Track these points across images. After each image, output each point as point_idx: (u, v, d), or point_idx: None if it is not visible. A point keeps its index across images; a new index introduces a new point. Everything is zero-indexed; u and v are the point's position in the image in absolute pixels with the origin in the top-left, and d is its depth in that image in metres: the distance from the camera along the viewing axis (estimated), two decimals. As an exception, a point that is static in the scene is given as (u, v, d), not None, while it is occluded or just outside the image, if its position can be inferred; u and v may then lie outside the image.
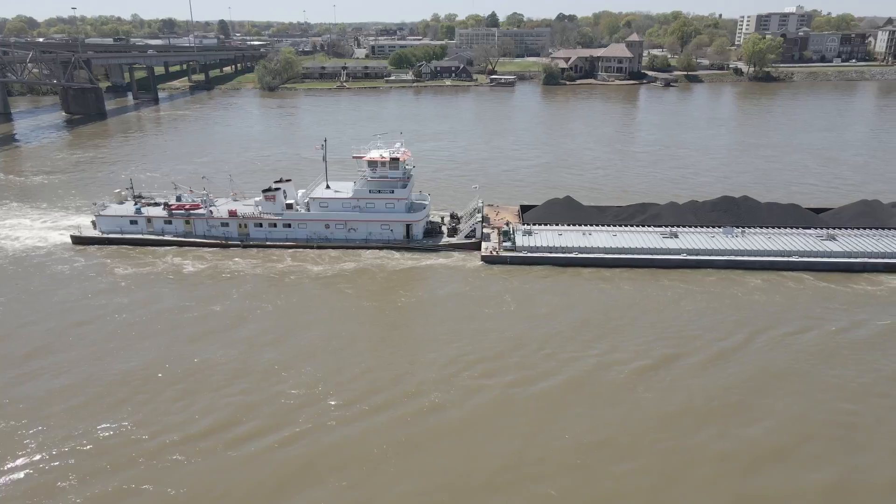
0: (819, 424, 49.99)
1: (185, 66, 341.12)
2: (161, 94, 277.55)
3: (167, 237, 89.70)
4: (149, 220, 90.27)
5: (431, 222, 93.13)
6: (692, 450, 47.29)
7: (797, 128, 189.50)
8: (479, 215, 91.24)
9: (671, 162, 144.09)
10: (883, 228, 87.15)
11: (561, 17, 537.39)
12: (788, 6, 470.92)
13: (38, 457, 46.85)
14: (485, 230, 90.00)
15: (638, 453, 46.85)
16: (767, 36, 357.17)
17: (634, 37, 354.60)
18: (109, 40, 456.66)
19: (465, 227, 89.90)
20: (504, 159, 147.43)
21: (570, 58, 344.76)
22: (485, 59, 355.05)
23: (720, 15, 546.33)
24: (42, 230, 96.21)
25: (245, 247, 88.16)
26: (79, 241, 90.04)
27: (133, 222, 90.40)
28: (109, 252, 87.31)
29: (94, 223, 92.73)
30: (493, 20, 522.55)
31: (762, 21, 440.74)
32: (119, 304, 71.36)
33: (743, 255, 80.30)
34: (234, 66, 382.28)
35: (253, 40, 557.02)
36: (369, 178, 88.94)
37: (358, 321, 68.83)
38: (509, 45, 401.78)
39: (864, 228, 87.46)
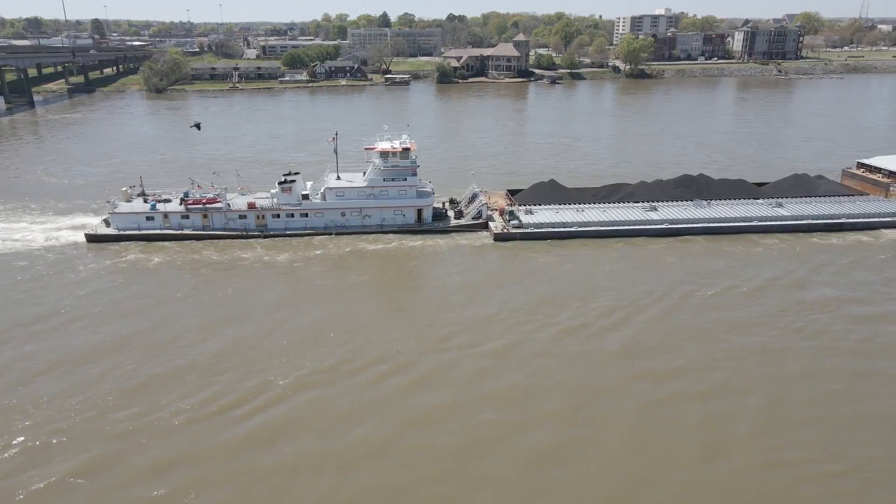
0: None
1: (60, 68, 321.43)
2: (36, 98, 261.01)
3: (186, 231, 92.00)
4: (165, 215, 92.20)
5: (435, 207, 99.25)
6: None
7: (673, 118, 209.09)
8: (483, 198, 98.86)
9: (569, 150, 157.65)
10: (815, 196, 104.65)
11: (451, 18, 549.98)
12: (658, 8, 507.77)
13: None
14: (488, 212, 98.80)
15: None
16: (640, 36, 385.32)
17: (521, 37, 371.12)
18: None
19: (472, 210, 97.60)
20: (421, 151, 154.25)
21: (461, 57, 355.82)
22: (379, 58, 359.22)
23: (600, 16, 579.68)
24: (50, 230, 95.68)
25: (265, 237, 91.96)
26: (94, 239, 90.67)
27: (149, 218, 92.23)
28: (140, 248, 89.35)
29: (106, 221, 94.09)
30: (384, 20, 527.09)
31: (636, 22, 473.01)
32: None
33: (714, 223, 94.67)
34: (115, 68, 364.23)
35: (132, 40, 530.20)
36: (382, 168, 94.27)
37: (409, 296, 76.69)
38: (402, 44, 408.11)
39: (801, 197, 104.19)
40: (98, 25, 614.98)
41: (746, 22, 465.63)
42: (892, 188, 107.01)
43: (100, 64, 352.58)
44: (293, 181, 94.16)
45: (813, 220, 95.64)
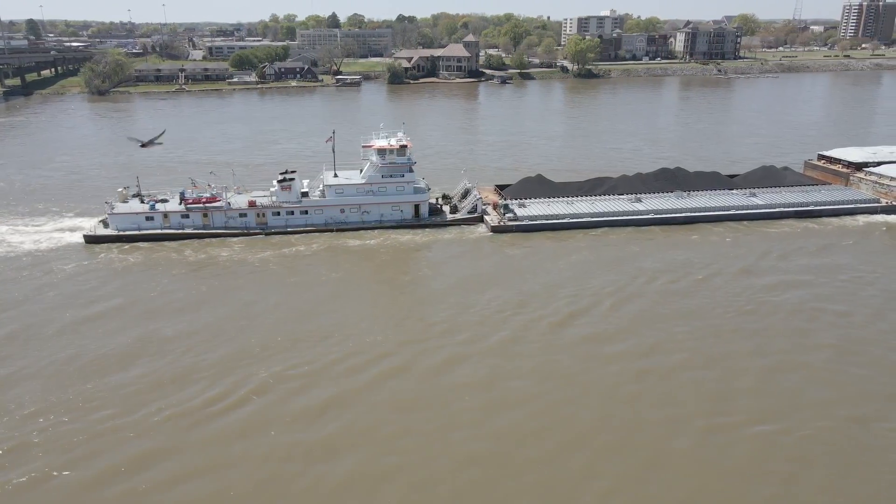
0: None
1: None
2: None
3: (186, 231, 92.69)
4: (165, 215, 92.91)
5: (430, 203, 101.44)
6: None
7: (622, 116, 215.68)
8: (477, 193, 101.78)
9: (522, 147, 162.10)
10: (782, 186, 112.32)
11: (401, 19, 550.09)
12: (604, 9, 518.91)
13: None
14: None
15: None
16: (587, 37, 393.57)
17: (471, 37, 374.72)
18: None
19: (467, 204, 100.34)
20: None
21: (412, 58, 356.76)
22: (329, 59, 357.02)
23: (548, 17, 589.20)
24: (42, 233, 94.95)
25: (267, 234, 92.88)
26: (92, 240, 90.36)
27: (149, 218, 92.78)
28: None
29: (104, 222, 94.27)
30: (334, 21, 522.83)
31: (582, 23, 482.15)
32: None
33: (696, 212, 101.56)
34: (53, 70, 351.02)
35: (70, 41, 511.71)
36: (380, 165, 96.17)
37: (430, 285, 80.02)
38: (352, 45, 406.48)
39: (770, 187, 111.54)
40: (33, 26, 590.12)
41: (688, 23, 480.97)
42: (851, 178, 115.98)
43: (37, 65, 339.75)
44: (292, 179, 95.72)
45: (785, 208, 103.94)
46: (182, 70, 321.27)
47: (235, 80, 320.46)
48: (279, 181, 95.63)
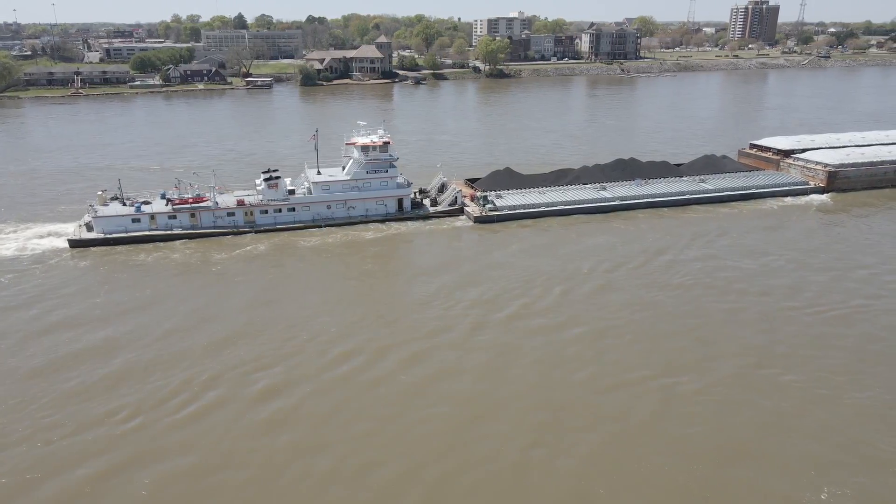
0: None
1: None
2: None
3: (175, 231, 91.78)
4: (152, 216, 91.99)
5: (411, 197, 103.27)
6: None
7: (538, 114, 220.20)
8: (456, 186, 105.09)
9: (446, 146, 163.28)
10: (724, 173, 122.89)
11: (311, 20, 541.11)
12: (512, 11, 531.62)
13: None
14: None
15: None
16: (497, 38, 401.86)
17: (383, 38, 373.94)
18: None
19: (447, 197, 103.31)
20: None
21: (324, 59, 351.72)
22: (237, 61, 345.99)
23: (459, 18, 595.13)
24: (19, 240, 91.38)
25: (257, 232, 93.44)
26: (77, 244, 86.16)
27: (136, 220, 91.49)
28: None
29: (87, 226, 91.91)
30: (241, 22, 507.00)
31: (492, 25, 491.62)
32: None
33: (656, 198, 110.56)
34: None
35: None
36: (364, 161, 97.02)
37: (437, 272, 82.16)
38: (262, 47, 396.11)
39: (714, 174, 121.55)
40: None
41: (592, 25, 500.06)
42: (781, 163, 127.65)
43: None
44: (278, 177, 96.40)
45: (731, 191, 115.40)
46: (78, 73, 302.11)
47: (138, 83, 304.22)
48: (265, 179, 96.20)
